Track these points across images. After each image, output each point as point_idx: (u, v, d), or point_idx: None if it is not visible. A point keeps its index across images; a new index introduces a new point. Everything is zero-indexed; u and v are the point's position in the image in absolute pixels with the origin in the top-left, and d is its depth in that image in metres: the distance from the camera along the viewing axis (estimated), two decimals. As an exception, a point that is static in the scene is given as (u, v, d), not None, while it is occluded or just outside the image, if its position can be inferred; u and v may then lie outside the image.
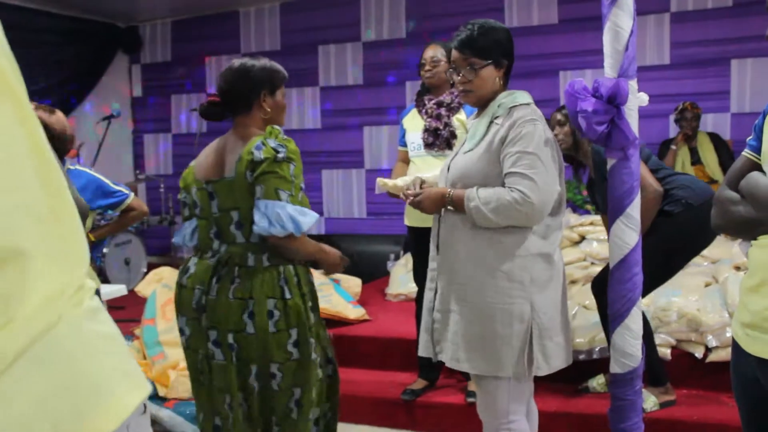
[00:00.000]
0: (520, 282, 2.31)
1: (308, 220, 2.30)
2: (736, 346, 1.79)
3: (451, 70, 2.47)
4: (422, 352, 2.56)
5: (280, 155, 2.27)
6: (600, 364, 3.61)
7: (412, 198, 2.44)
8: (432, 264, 2.53)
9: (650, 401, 3.31)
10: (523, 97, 2.43)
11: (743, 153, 1.81)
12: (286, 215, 2.25)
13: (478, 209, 2.27)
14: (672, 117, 5.76)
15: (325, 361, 2.49)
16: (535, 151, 2.29)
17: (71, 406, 0.75)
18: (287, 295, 2.33)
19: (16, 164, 0.76)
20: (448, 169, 2.48)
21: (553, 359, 2.37)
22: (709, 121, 5.98)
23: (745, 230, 1.73)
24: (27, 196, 0.77)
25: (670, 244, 3.18)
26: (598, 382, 3.62)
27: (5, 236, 0.72)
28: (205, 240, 2.45)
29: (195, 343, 2.42)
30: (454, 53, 2.43)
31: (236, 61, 2.45)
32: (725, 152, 5.53)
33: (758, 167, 1.74)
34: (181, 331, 2.47)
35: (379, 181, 3.09)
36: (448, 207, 2.36)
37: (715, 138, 5.63)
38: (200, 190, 2.44)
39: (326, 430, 2.55)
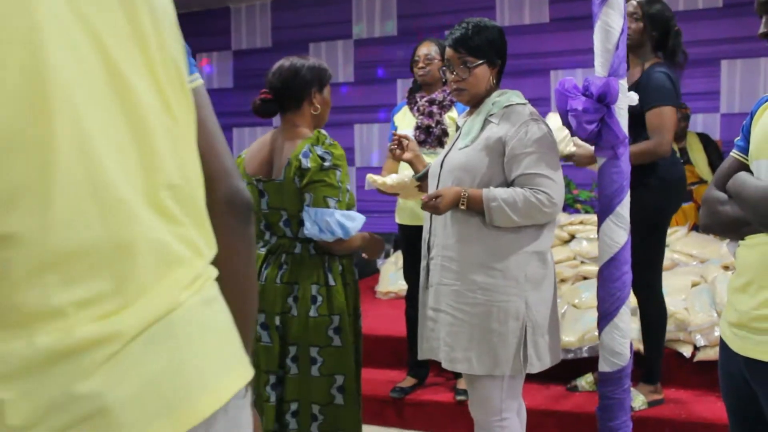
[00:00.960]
0: (515, 279, 2.32)
1: (356, 224, 2.43)
2: (723, 345, 1.80)
3: (444, 68, 2.48)
4: (419, 352, 2.57)
5: (327, 163, 2.38)
6: (589, 363, 3.61)
7: (430, 200, 2.33)
8: (423, 261, 2.53)
9: (639, 400, 3.31)
10: (517, 96, 2.44)
11: (731, 153, 1.82)
12: (335, 222, 2.37)
13: (501, 209, 2.27)
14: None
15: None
16: (548, 151, 2.33)
17: (179, 387, 0.82)
18: (331, 282, 2.47)
19: (132, 146, 0.83)
20: (441, 165, 2.48)
21: (544, 357, 2.38)
22: (699, 122, 6.00)
23: (733, 230, 1.74)
24: (146, 188, 0.84)
25: (650, 221, 3.16)
26: (586, 380, 3.63)
27: (113, 231, 0.79)
28: (256, 231, 2.56)
29: None
30: (449, 51, 2.43)
31: (286, 61, 2.54)
32: (714, 152, 5.54)
33: (746, 167, 1.75)
34: None
35: (369, 177, 3.09)
36: (460, 206, 2.32)
37: (704, 138, 5.65)
38: (250, 185, 2.54)
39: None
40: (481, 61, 2.40)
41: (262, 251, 2.52)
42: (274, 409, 2.47)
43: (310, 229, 2.39)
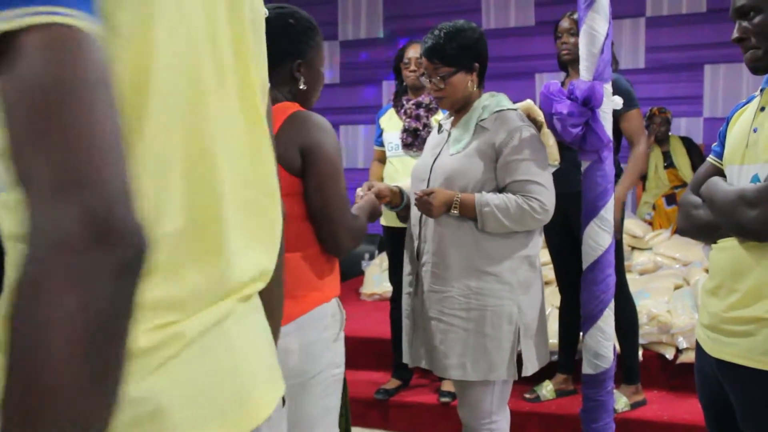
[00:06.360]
0: (509, 284, 2.32)
1: None
2: (699, 347, 1.84)
3: (423, 77, 2.47)
4: (407, 359, 2.53)
5: None
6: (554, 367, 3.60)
7: (422, 196, 2.31)
8: (408, 268, 2.51)
9: (622, 402, 3.33)
10: (506, 101, 2.44)
11: (708, 159, 1.86)
12: None
13: (494, 215, 2.26)
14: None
15: None
16: (539, 158, 2.33)
17: (232, 392, 0.82)
18: None
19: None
20: (431, 170, 2.44)
21: (535, 359, 2.39)
22: (682, 126, 6.05)
23: (706, 234, 1.77)
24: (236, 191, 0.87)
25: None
26: (546, 389, 3.60)
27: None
28: None
29: None
30: (423, 61, 2.41)
31: None
32: (697, 156, 5.59)
33: (721, 172, 1.79)
34: None
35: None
36: (452, 211, 2.31)
37: (687, 142, 5.70)
38: None
39: (346, 425, 2.61)
40: (455, 70, 2.37)
41: None
42: None
43: None
